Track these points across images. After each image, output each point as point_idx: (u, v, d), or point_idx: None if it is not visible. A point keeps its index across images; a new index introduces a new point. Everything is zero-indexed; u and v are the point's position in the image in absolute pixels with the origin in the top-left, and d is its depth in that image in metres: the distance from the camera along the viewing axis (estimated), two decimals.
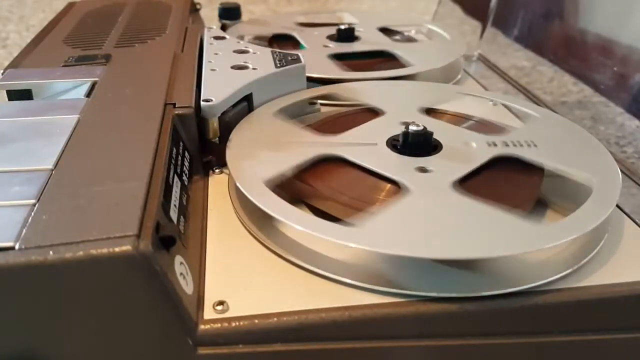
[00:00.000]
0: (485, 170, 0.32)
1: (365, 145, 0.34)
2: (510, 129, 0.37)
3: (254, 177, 0.31)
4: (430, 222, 0.27)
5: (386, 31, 0.58)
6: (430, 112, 0.39)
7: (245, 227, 0.30)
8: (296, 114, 0.40)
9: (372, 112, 0.39)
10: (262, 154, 0.33)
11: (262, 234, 0.29)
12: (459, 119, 0.39)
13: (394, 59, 0.51)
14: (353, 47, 0.53)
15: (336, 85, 0.42)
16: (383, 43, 0.54)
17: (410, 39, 0.58)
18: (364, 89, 0.42)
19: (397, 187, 0.30)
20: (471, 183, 0.31)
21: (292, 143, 0.34)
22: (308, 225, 0.27)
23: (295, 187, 0.32)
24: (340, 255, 0.27)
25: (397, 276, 0.26)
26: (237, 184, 0.30)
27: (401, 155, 0.33)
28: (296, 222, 0.27)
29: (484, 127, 0.38)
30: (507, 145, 0.34)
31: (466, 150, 0.34)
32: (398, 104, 0.39)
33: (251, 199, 0.29)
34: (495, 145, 0.34)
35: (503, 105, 0.41)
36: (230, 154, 0.33)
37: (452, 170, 0.31)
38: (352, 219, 0.28)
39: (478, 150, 0.34)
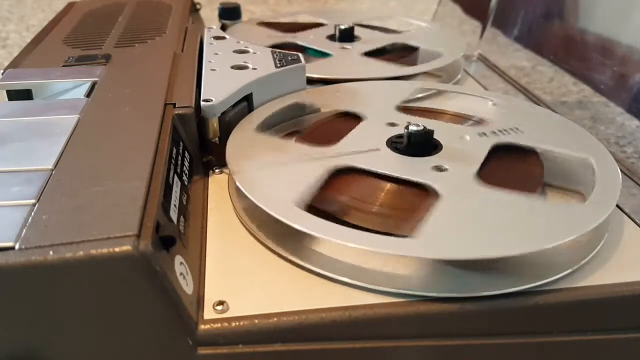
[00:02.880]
0: (490, 161, 0.33)
1: (369, 152, 0.33)
2: (487, 119, 0.38)
3: (254, 177, 0.31)
4: (473, 221, 0.27)
5: (388, 31, 0.58)
6: (405, 110, 0.39)
7: (245, 227, 0.30)
8: (276, 122, 0.39)
9: (351, 117, 0.38)
10: (265, 165, 0.32)
11: (262, 234, 0.29)
12: (437, 114, 0.40)
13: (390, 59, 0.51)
14: (379, 43, 0.53)
15: (303, 92, 0.41)
16: (389, 39, 0.54)
17: (410, 39, 0.58)
18: (332, 93, 0.42)
19: (422, 189, 0.30)
20: (485, 174, 0.31)
21: (294, 160, 0.33)
22: (345, 237, 0.26)
23: (317, 202, 0.30)
24: (368, 263, 0.27)
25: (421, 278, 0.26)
26: (237, 184, 0.30)
27: (407, 157, 0.33)
28: (332, 235, 0.26)
29: (462, 119, 0.39)
30: (496, 134, 0.35)
31: (464, 144, 0.34)
32: (372, 106, 0.39)
33: (251, 198, 0.29)
34: (486, 135, 0.35)
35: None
36: (230, 154, 0.33)
37: (465, 165, 0.32)
38: (388, 228, 0.28)
39: (474, 142, 0.34)
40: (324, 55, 0.51)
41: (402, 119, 0.37)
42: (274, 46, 0.48)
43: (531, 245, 0.26)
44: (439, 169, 0.31)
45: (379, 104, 0.40)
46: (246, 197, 0.29)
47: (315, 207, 0.29)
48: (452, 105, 0.41)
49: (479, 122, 0.38)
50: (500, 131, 0.35)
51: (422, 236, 0.26)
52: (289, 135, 0.38)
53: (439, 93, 0.43)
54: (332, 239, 0.26)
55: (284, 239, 0.29)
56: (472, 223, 0.27)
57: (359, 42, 0.54)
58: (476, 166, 0.32)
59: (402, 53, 0.53)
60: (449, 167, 0.32)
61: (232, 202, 0.32)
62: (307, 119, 0.40)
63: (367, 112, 0.38)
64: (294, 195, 0.29)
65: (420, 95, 0.42)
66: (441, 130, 0.35)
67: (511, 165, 0.33)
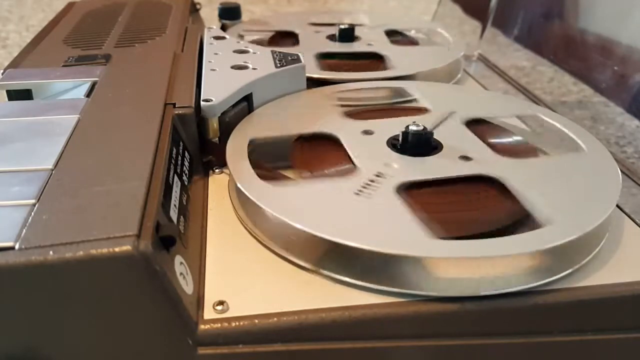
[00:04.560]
0: (457, 184, 0.31)
1: (368, 135, 0.34)
2: (539, 152, 0.36)
3: (254, 176, 0.31)
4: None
5: (389, 33, 0.58)
6: (472, 123, 0.38)
7: (245, 227, 0.30)
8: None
9: (419, 110, 0.39)
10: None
11: (262, 233, 0.29)
12: (498, 131, 0.38)
13: (391, 59, 0.51)
14: (352, 48, 0.53)
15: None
16: (382, 43, 0.54)
17: (411, 40, 0.58)
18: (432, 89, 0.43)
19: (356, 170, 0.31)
20: (423, 192, 0.30)
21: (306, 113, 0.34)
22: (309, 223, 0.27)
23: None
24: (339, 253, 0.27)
25: (397, 275, 0.26)
26: (237, 184, 0.30)
27: (407, 156, 0.33)
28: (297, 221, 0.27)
29: (510, 148, 0.36)
30: (504, 166, 0.32)
31: (457, 161, 0.33)
32: (445, 106, 0.39)
33: (251, 198, 0.29)
34: (493, 163, 0.33)
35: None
36: (230, 154, 0.33)
37: (417, 173, 0.31)
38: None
39: (465, 163, 0.33)
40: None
41: (459, 127, 0.37)
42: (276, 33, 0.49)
43: (531, 245, 0.26)
44: (388, 165, 0.32)
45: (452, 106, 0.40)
46: (246, 197, 0.29)
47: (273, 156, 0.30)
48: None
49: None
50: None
51: (423, 236, 0.26)
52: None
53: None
54: (332, 239, 0.26)
55: (283, 239, 0.29)
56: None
57: (358, 42, 0.54)
58: (416, 178, 0.31)
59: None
60: (399, 170, 0.32)
61: (232, 202, 0.32)
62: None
63: (435, 108, 0.39)
64: (254, 134, 0.29)
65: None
66: (467, 145, 0.34)
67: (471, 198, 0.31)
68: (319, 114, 0.38)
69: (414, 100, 0.42)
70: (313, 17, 0.62)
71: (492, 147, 0.34)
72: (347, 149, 0.34)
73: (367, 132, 0.36)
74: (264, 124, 0.36)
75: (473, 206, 0.30)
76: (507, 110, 0.40)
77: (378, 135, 0.35)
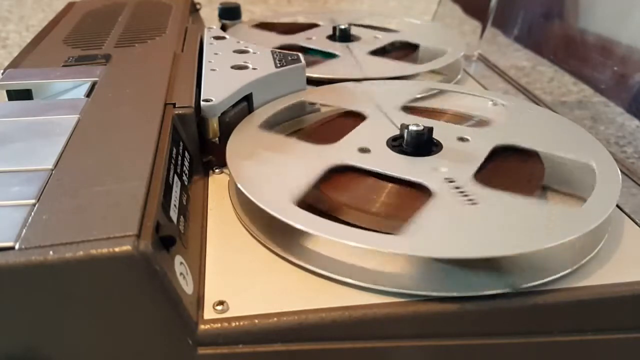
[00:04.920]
0: (490, 162, 0.33)
1: (368, 151, 0.33)
2: (488, 120, 0.38)
3: (254, 177, 0.31)
4: (473, 220, 0.27)
5: (379, 29, 0.58)
6: (409, 110, 0.39)
7: (245, 227, 0.30)
8: (279, 121, 0.39)
9: (354, 115, 0.38)
10: (265, 165, 0.32)
11: (262, 234, 0.29)
12: (440, 115, 0.40)
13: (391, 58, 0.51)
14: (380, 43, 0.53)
15: (309, 90, 0.41)
16: (389, 38, 0.54)
17: (410, 40, 0.58)
18: (338, 91, 0.42)
19: (421, 188, 0.30)
20: (485, 175, 0.31)
21: (294, 160, 0.33)
22: (340, 234, 0.26)
23: (315, 200, 0.30)
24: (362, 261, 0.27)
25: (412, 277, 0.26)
26: (237, 184, 0.30)
27: (406, 156, 0.33)
28: (326, 232, 0.26)
29: (465, 120, 0.38)
30: (497, 135, 0.35)
31: (465, 145, 0.34)
32: (376, 105, 0.39)
33: (251, 198, 0.29)
34: (487, 136, 0.35)
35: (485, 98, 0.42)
36: (230, 154, 0.33)
37: (464, 166, 0.32)
38: (384, 227, 0.28)
39: (475, 143, 0.34)
40: (328, 55, 0.51)
41: (405, 119, 0.37)
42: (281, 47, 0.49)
43: (531, 245, 0.26)
44: (438, 169, 0.31)
45: (383, 103, 0.40)
46: (246, 197, 0.29)
47: (315, 206, 0.29)
48: (456, 105, 0.41)
49: (480, 122, 0.38)
50: (501, 132, 0.35)
51: (422, 235, 0.26)
52: (290, 135, 0.38)
53: (440, 93, 0.43)
54: (332, 238, 0.26)
55: (283, 239, 0.29)
56: (471, 223, 0.27)
57: (359, 42, 0.54)
58: (475, 167, 0.32)
59: (402, 52, 0.53)
60: (447, 168, 0.32)
61: (232, 202, 0.32)
62: (308, 118, 0.40)
63: (370, 111, 0.38)
64: (293, 195, 0.29)
65: (419, 96, 0.42)
66: (442, 130, 0.35)
67: (511, 167, 0.33)
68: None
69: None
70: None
71: None
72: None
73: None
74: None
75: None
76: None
77: (377, 136, 0.35)
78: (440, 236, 0.26)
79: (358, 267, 0.27)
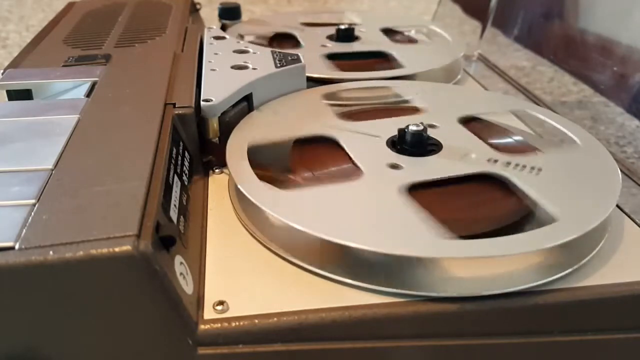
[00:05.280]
0: (462, 183, 0.31)
1: (367, 136, 0.34)
2: (538, 152, 0.35)
3: (253, 177, 0.31)
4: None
5: (388, 32, 0.58)
6: (469, 120, 0.38)
7: (245, 227, 0.30)
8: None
9: (414, 110, 0.39)
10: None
11: (262, 234, 0.29)
12: (498, 131, 0.38)
13: (391, 59, 0.51)
14: (352, 47, 0.53)
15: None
16: (382, 43, 0.54)
17: (410, 40, 0.58)
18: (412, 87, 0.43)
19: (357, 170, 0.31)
20: (427, 192, 0.30)
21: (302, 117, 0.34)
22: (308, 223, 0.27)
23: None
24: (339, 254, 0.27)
25: (398, 275, 0.26)
26: (237, 184, 0.30)
27: (393, 152, 0.33)
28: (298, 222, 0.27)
29: (511, 148, 0.36)
30: (506, 165, 0.32)
31: (458, 160, 0.33)
32: (438, 108, 0.39)
33: (251, 198, 0.29)
34: (494, 162, 0.32)
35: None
36: (230, 154, 0.33)
37: (420, 173, 0.31)
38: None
39: (470, 162, 0.33)
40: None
41: (455, 128, 0.37)
42: (274, 35, 0.48)
43: (531, 245, 0.26)
44: (395, 167, 0.32)
45: (445, 108, 0.40)
46: (246, 197, 0.29)
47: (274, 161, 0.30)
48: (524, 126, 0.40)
49: (524, 152, 0.35)
50: (517, 165, 0.32)
51: (423, 236, 0.26)
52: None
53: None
54: (333, 239, 0.26)
55: (283, 239, 0.29)
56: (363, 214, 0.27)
57: (358, 43, 0.54)
58: (422, 178, 0.31)
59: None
60: (406, 169, 0.32)
61: (232, 202, 0.32)
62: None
63: (429, 109, 0.38)
64: (254, 138, 0.29)
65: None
66: (465, 144, 0.34)
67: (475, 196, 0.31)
68: (314, 116, 0.38)
69: (408, 100, 0.41)
70: (303, 18, 0.61)
71: (492, 147, 0.34)
72: (347, 150, 0.34)
73: (365, 133, 0.35)
74: (261, 128, 0.36)
75: (477, 205, 0.30)
76: (502, 108, 0.40)
77: (377, 136, 0.35)
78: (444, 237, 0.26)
79: (359, 267, 0.27)
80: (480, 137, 0.35)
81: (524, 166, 0.32)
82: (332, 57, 0.50)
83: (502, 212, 0.30)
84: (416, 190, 0.30)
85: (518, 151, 0.35)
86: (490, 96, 0.43)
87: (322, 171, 0.33)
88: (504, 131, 0.38)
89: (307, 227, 0.27)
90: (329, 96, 0.41)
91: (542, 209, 0.29)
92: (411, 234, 0.27)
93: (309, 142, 0.35)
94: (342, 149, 0.34)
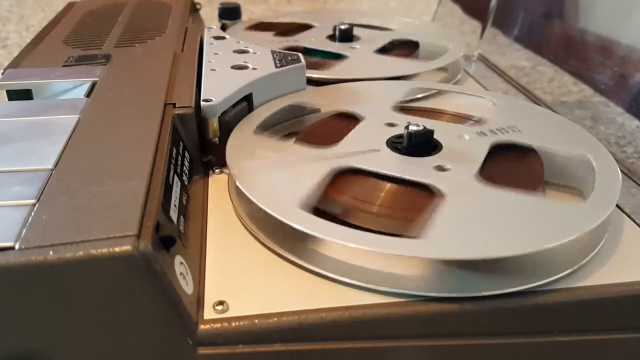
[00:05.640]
0: (490, 160, 0.33)
1: (369, 152, 0.33)
2: (487, 119, 0.38)
3: (254, 177, 0.31)
4: (474, 221, 0.27)
5: (379, 28, 0.58)
6: (403, 110, 0.39)
7: (245, 227, 0.30)
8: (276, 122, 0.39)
9: (350, 117, 0.38)
10: (265, 165, 0.32)
11: (262, 234, 0.29)
12: (436, 114, 0.40)
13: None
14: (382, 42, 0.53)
15: (303, 92, 0.41)
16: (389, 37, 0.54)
17: (410, 40, 0.58)
18: (337, 92, 0.42)
19: (423, 189, 0.30)
20: (486, 173, 0.31)
21: (294, 160, 0.33)
22: (353, 239, 0.26)
23: (320, 204, 0.30)
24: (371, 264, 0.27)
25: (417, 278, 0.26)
26: (237, 184, 0.30)
27: (407, 157, 0.33)
28: (330, 235, 0.26)
29: (462, 119, 0.38)
30: (495, 133, 0.35)
31: (464, 144, 0.34)
32: (374, 106, 0.39)
33: (252, 199, 0.29)
34: (486, 134, 0.35)
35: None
36: (230, 154, 0.33)
37: (466, 164, 0.32)
38: (392, 228, 0.28)
39: (474, 142, 0.34)
40: (336, 56, 0.51)
41: (401, 119, 0.37)
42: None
43: (531, 245, 0.26)
44: (441, 168, 0.31)
45: (378, 104, 0.40)
46: (246, 197, 0.29)
47: (316, 207, 0.29)
48: (452, 105, 0.41)
49: (478, 121, 0.38)
50: (499, 130, 0.35)
51: (424, 236, 0.26)
52: (289, 135, 0.38)
53: (438, 93, 0.43)
54: (334, 240, 0.26)
55: (284, 239, 0.29)
56: (473, 223, 0.27)
57: (360, 42, 0.54)
58: (477, 165, 0.32)
59: (402, 52, 0.53)
60: (451, 166, 0.32)
61: (232, 202, 0.32)
62: (306, 119, 0.40)
63: (365, 112, 0.38)
64: (294, 195, 0.29)
65: (419, 96, 0.42)
66: (441, 130, 0.35)
67: (511, 164, 0.33)
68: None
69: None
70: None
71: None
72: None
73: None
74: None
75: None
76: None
77: (376, 137, 0.35)
78: (445, 238, 0.26)
79: (359, 268, 0.27)
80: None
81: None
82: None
83: None
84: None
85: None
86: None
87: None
88: None
89: (308, 227, 0.27)
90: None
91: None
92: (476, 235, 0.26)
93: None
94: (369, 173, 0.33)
